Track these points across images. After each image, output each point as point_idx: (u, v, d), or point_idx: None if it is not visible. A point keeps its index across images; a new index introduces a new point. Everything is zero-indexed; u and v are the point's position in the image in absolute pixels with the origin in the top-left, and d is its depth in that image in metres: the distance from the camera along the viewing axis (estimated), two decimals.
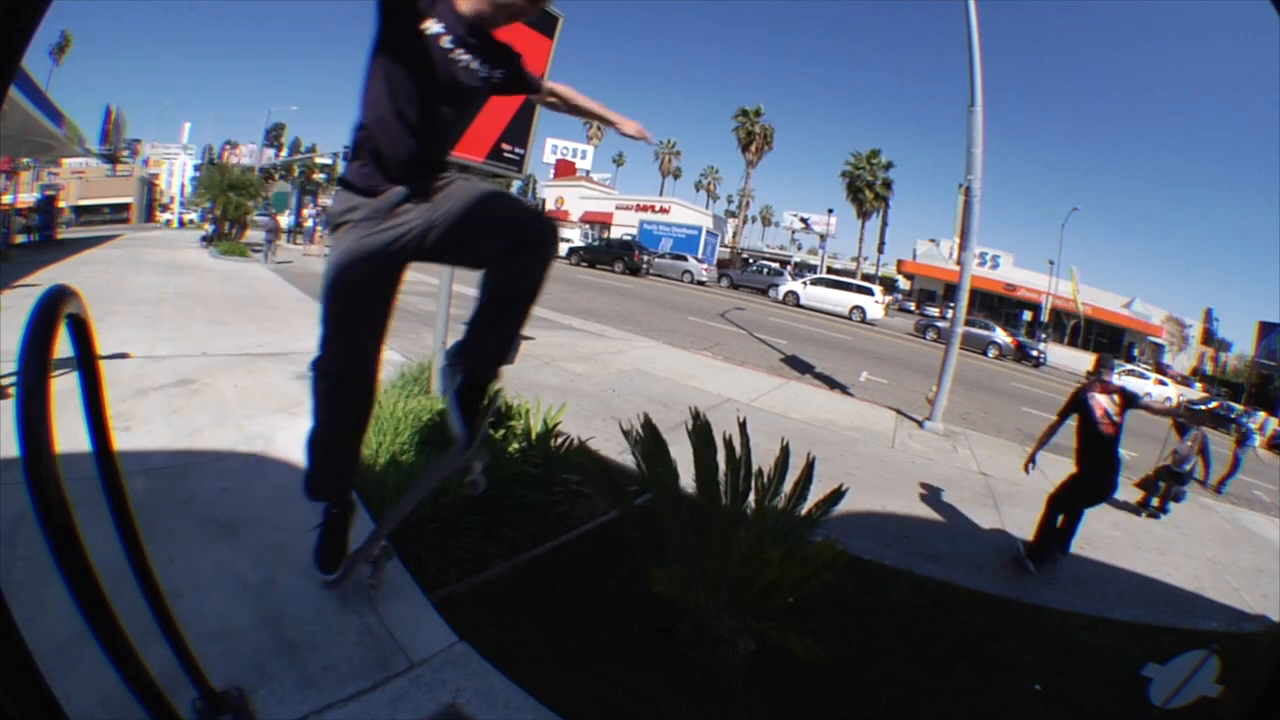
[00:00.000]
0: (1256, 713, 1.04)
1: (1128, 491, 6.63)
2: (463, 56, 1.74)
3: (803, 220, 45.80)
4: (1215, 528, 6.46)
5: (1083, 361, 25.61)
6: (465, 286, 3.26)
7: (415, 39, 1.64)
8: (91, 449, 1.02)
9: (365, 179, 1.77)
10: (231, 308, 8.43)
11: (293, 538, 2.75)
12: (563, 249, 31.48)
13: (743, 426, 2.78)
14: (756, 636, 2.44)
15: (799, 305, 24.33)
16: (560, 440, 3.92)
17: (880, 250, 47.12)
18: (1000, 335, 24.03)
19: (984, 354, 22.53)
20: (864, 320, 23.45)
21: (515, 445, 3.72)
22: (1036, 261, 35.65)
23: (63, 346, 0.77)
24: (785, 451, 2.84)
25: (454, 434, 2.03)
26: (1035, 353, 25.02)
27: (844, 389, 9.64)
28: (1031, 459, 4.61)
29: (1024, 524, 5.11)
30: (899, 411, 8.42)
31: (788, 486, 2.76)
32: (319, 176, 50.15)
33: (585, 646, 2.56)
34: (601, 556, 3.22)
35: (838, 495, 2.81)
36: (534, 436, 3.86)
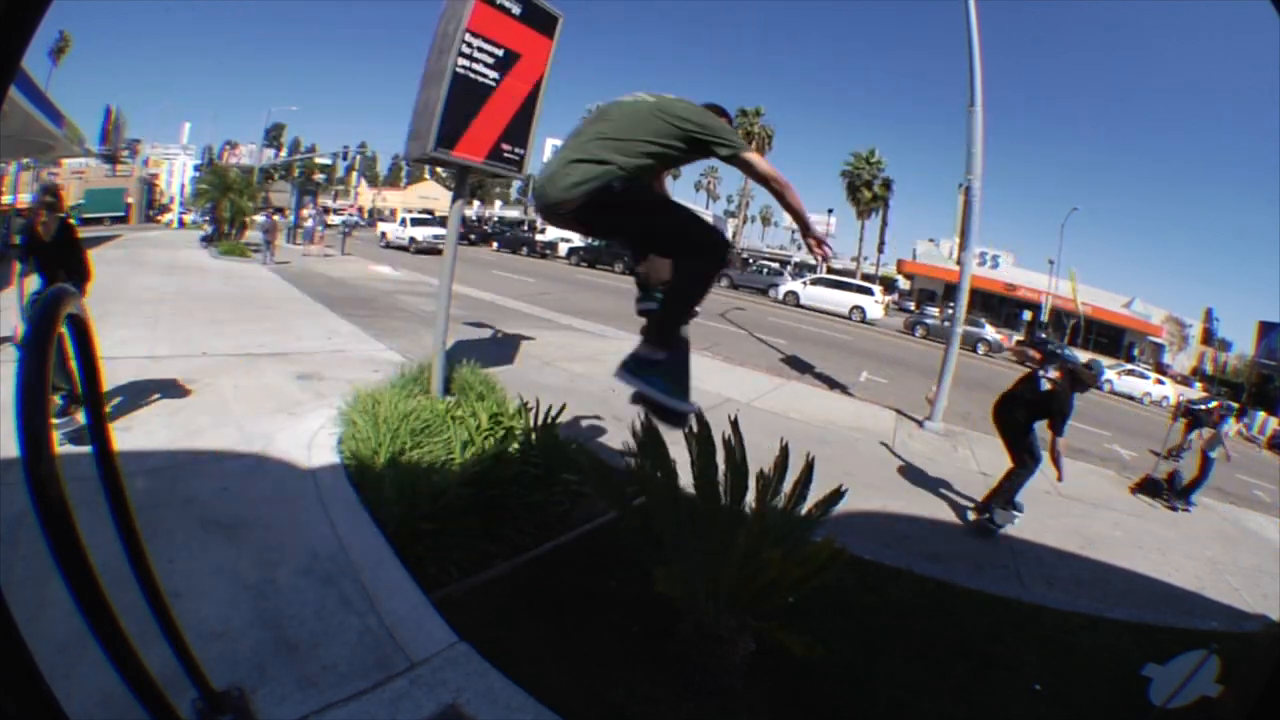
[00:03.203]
0: (1256, 713, 1.04)
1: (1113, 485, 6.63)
2: None
3: None
4: (1216, 528, 6.46)
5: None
6: (464, 287, 3.25)
7: None
8: (91, 449, 1.01)
9: None
10: (231, 308, 8.43)
11: (292, 537, 2.76)
12: (563, 249, 31.44)
13: (735, 425, 2.78)
14: (756, 636, 2.43)
15: (799, 305, 24.34)
16: (560, 440, 3.92)
17: (880, 250, 47.15)
18: (990, 332, 24.12)
19: (974, 350, 22.55)
20: (864, 320, 23.46)
21: (515, 445, 3.72)
22: (1036, 261, 35.61)
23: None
24: (785, 451, 2.84)
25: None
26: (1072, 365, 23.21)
27: (844, 389, 9.64)
28: None
29: (1023, 523, 5.11)
30: (899, 411, 8.42)
31: (788, 486, 2.76)
32: (319, 177, 50.10)
33: (585, 646, 2.56)
34: (601, 556, 3.22)
35: (837, 495, 2.81)
36: (534, 436, 3.86)
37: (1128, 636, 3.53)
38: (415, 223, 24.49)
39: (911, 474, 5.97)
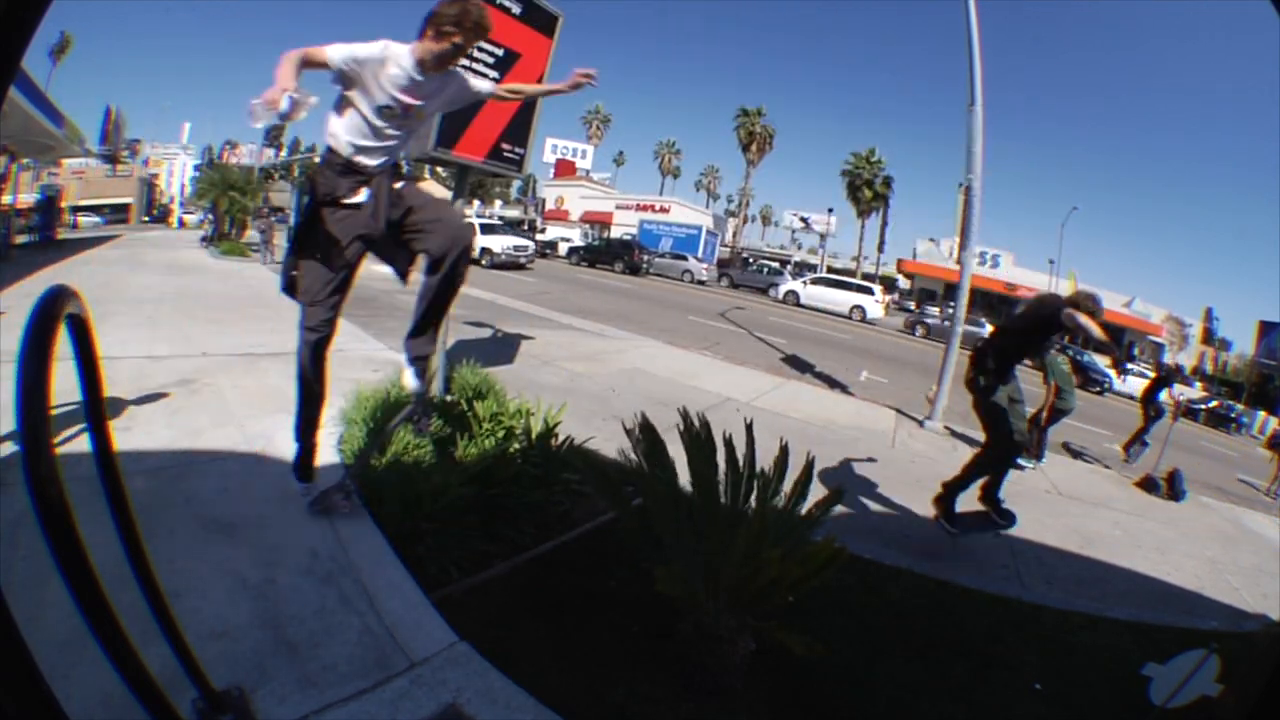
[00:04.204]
0: (1256, 712, 1.04)
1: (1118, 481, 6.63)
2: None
3: (803, 220, 45.82)
4: (1216, 528, 6.46)
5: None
6: (464, 286, 3.26)
7: None
8: (91, 449, 1.02)
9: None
10: (231, 308, 8.42)
11: (292, 537, 2.76)
12: (563, 249, 31.40)
13: (749, 429, 2.78)
14: (756, 636, 2.43)
15: (799, 305, 24.37)
16: (560, 440, 3.92)
17: (880, 249, 47.22)
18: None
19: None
20: (864, 319, 23.47)
21: (515, 445, 3.72)
22: (1036, 261, 35.71)
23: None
24: (784, 451, 2.84)
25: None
26: (1096, 374, 19.46)
27: (844, 388, 9.64)
28: None
29: (1023, 523, 5.11)
30: (899, 410, 8.42)
31: (787, 486, 2.76)
32: None
33: (585, 646, 2.56)
34: (601, 556, 3.22)
35: (837, 495, 2.81)
36: (534, 436, 3.86)
37: (1128, 636, 3.53)
38: (486, 230, 18.26)
39: (912, 473, 5.97)
